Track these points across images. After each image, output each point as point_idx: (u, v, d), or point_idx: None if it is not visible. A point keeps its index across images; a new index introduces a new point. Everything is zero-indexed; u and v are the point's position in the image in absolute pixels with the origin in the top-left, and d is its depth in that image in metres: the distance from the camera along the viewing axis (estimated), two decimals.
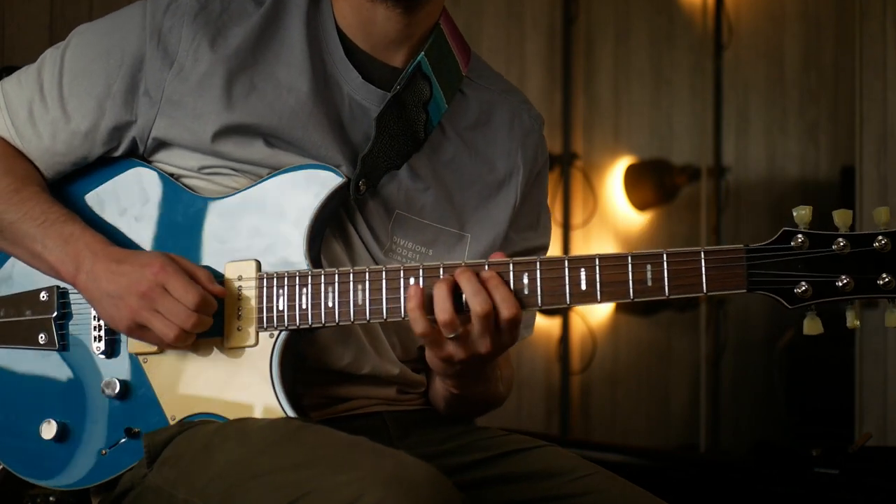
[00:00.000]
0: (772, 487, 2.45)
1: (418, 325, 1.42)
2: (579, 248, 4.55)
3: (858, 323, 1.38)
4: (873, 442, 2.62)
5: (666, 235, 4.68)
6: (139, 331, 1.51)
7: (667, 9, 4.70)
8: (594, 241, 4.58)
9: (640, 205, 4.62)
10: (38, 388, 1.64)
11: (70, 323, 1.62)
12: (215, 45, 1.55)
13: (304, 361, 1.55)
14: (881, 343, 3.62)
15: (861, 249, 1.36)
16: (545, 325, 4.48)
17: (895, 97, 3.63)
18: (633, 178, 4.62)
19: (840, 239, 1.36)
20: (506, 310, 1.40)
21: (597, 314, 4.57)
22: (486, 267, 1.43)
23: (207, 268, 1.53)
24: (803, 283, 1.36)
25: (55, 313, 1.61)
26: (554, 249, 4.50)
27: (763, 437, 3.83)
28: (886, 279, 1.34)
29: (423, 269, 1.45)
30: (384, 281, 1.46)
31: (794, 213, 1.38)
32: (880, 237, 1.35)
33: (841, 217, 1.37)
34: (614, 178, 4.62)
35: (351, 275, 1.47)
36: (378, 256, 1.59)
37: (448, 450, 1.60)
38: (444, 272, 1.44)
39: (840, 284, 1.35)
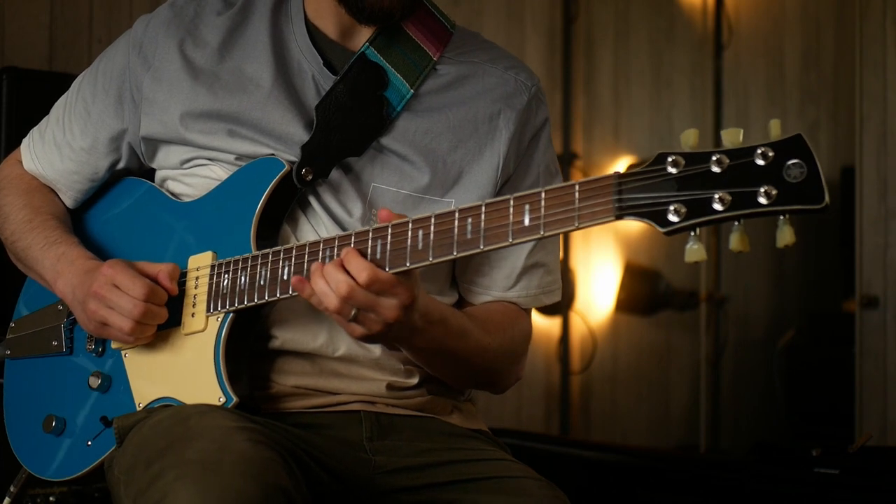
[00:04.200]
0: (772, 487, 2.45)
1: (321, 307, 1.44)
2: (579, 248, 4.55)
3: (744, 248, 1.20)
4: (873, 442, 2.62)
5: (666, 236, 4.67)
6: (104, 329, 1.61)
7: (667, 9, 4.70)
8: (594, 242, 4.58)
9: None
10: (44, 388, 1.78)
11: (76, 327, 1.75)
12: (185, 45, 1.69)
13: (269, 343, 1.60)
14: (881, 343, 3.62)
15: (741, 162, 1.19)
16: (545, 325, 4.48)
17: (895, 97, 3.63)
18: None
19: (718, 154, 1.20)
20: (360, 277, 1.40)
21: (597, 314, 4.57)
22: (376, 230, 1.44)
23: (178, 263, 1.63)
24: (675, 204, 1.21)
25: (65, 320, 1.74)
26: None
27: (763, 437, 3.83)
28: (765, 190, 1.17)
29: (337, 240, 1.48)
30: (306, 255, 1.50)
31: (681, 137, 1.24)
32: (762, 148, 1.18)
33: (730, 136, 1.21)
34: None
35: (281, 252, 1.53)
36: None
37: (420, 464, 1.60)
38: (355, 239, 1.45)
39: (717, 203, 1.19)
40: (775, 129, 1.20)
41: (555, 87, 4.56)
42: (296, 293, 1.49)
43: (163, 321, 1.60)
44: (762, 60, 4.65)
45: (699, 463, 2.83)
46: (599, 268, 4.58)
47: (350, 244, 1.45)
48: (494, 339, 1.66)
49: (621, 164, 4.62)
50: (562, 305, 4.47)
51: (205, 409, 1.50)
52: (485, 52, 1.76)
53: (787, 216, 1.19)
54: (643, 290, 4.59)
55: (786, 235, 1.19)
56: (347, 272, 1.41)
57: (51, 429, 1.71)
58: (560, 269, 1.80)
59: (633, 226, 4.65)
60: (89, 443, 1.67)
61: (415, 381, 1.67)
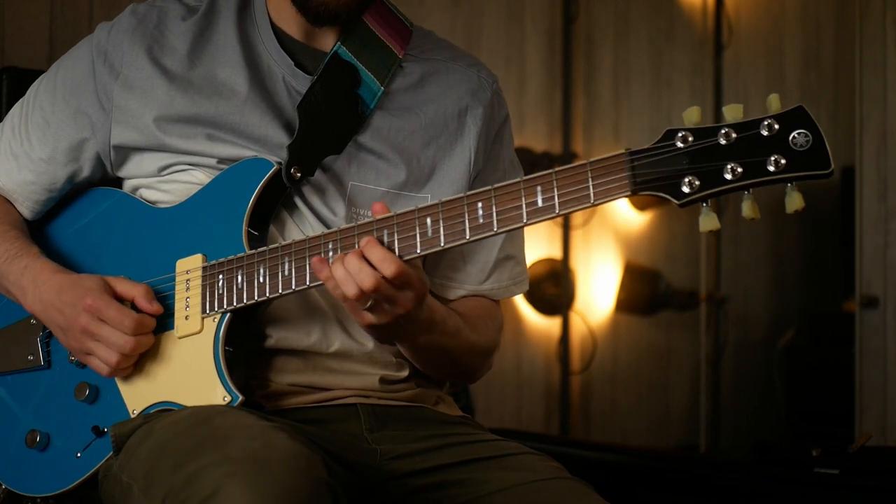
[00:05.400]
0: (772, 487, 2.45)
1: (337, 292, 1.46)
2: (579, 248, 4.55)
3: (755, 215, 1.29)
4: (873, 442, 2.62)
5: (666, 236, 4.68)
6: (89, 359, 1.60)
7: (667, 9, 4.70)
8: (594, 241, 4.58)
9: (640, 205, 4.62)
10: (23, 403, 1.73)
11: (53, 340, 1.71)
12: (153, 52, 1.67)
13: (264, 342, 1.60)
14: (881, 343, 3.62)
15: (748, 134, 1.28)
16: (545, 325, 4.48)
17: (895, 97, 3.63)
18: None
19: (725, 128, 1.29)
20: (387, 270, 1.43)
21: (597, 314, 4.57)
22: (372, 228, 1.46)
23: (158, 271, 1.62)
24: (689, 177, 1.31)
25: (41, 333, 1.71)
26: (553, 249, 4.52)
27: (763, 437, 3.83)
28: (774, 159, 1.27)
29: (340, 234, 1.49)
30: (307, 250, 1.51)
31: (683, 115, 1.32)
32: (767, 120, 1.28)
33: (731, 111, 1.30)
34: None
35: (279, 249, 1.53)
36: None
37: (422, 449, 1.62)
38: (358, 232, 1.48)
39: (728, 173, 1.29)
40: (775, 103, 1.29)
41: (555, 87, 4.55)
42: (300, 287, 1.51)
43: (146, 349, 1.59)
44: (762, 60, 4.65)
45: (699, 463, 2.83)
46: (599, 268, 4.58)
47: (353, 236, 1.47)
48: (479, 336, 1.71)
49: None
50: (562, 305, 4.48)
51: (223, 409, 1.50)
52: (444, 50, 1.81)
53: (795, 183, 1.28)
54: (643, 290, 4.59)
55: (795, 201, 1.28)
56: (370, 263, 1.43)
57: (34, 444, 1.67)
58: (527, 261, 1.85)
59: (632, 225, 4.65)
60: (79, 454, 1.63)
61: (405, 373, 1.70)
